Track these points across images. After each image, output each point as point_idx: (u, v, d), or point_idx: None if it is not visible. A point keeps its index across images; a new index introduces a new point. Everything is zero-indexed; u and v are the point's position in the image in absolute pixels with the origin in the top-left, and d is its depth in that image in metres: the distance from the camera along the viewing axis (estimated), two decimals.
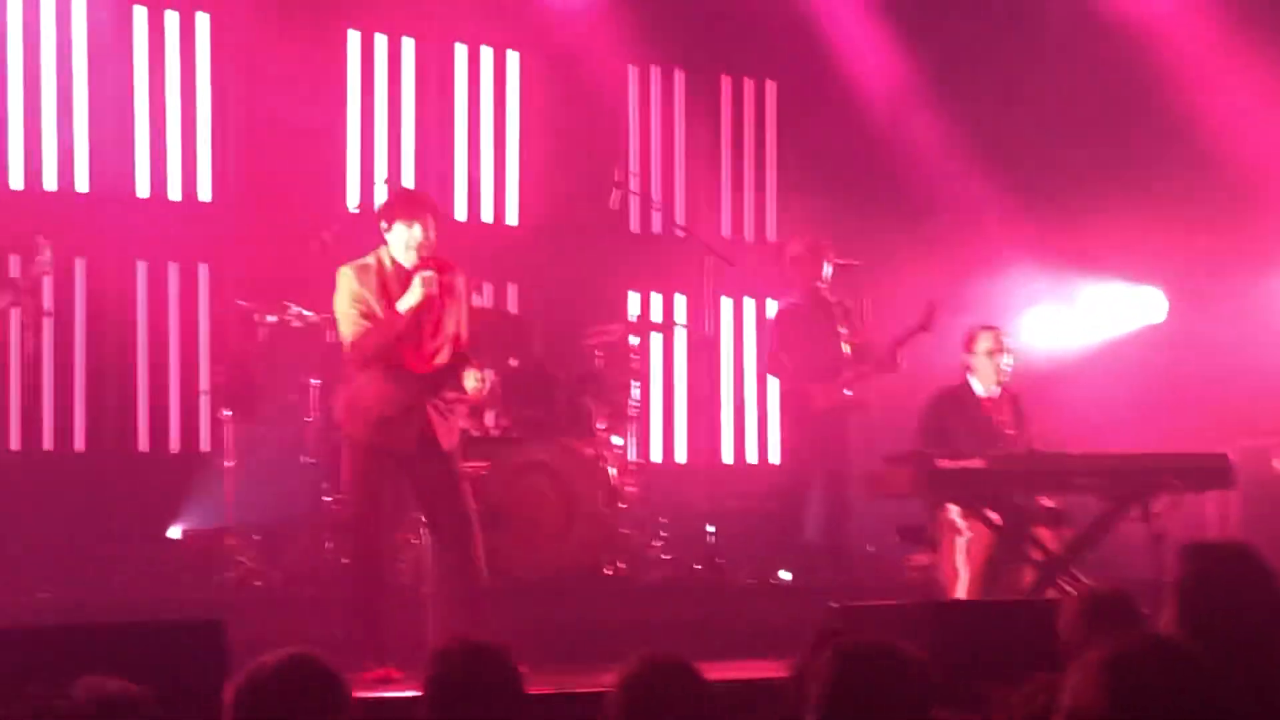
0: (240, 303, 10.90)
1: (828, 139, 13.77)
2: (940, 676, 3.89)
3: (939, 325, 11.27)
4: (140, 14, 11.84)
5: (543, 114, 13.16)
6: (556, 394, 10.94)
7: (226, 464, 10.75)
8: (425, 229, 8.39)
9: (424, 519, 8.93)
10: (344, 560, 9.23)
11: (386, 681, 7.96)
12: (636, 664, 4.45)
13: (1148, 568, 9.13)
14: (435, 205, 8.72)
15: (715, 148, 13.98)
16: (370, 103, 12.60)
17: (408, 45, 12.75)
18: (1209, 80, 12.76)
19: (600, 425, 10.93)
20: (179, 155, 11.96)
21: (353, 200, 11.85)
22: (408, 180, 12.50)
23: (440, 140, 12.91)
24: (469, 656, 4.48)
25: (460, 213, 12.90)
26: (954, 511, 9.98)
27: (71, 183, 11.56)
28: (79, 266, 11.57)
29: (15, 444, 11.23)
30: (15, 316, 10.22)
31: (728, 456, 13.77)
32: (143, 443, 11.80)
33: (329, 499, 10.21)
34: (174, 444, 11.88)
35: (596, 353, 11.35)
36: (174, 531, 11.10)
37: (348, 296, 8.41)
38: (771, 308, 12.79)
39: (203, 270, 11.99)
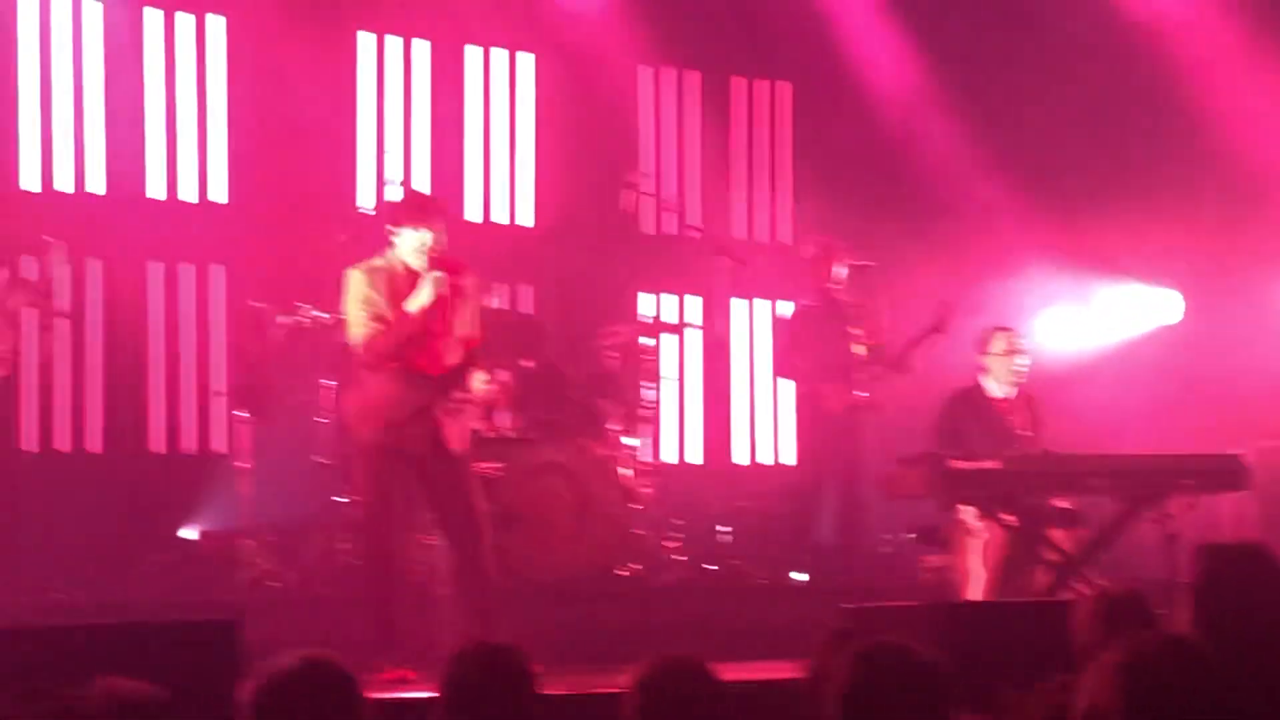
0: (255, 304, 10.92)
1: (841, 140, 13.77)
2: (955, 678, 3.88)
3: (953, 327, 11.26)
4: (153, 16, 11.86)
5: (556, 115, 13.16)
6: (570, 395, 10.94)
7: (241, 465, 10.76)
8: (435, 233, 8.40)
9: (435, 520, 8.92)
10: (358, 561, 9.24)
11: (402, 682, 7.95)
12: (652, 665, 4.46)
13: (1162, 569, 9.13)
14: (445, 209, 8.73)
15: (728, 149, 13.98)
16: (383, 105, 12.61)
17: (421, 47, 12.76)
18: (1225, 81, 12.75)
19: (614, 426, 10.92)
20: (193, 157, 11.97)
21: (366, 201, 11.86)
22: (421, 181, 12.50)
23: (453, 142, 12.92)
24: (484, 658, 4.48)
25: (474, 214, 12.91)
26: (968, 513, 9.97)
27: (85, 185, 11.58)
28: (93, 268, 11.58)
29: (31, 445, 11.24)
30: (31, 318, 10.24)
31: (741, 457, 13.77)
32: (157, 444, 11.81)
33: (343, 499, 10.21)
34: (189, 445, 11.89)
35: (610, 354, 11.34)
36: (189, 532, 11.11)
37: (357, 298, 8.42)
38: (784, 309, 12.79)
39: (217, 271, 12.00)
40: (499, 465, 10.12)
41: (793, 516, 11.90)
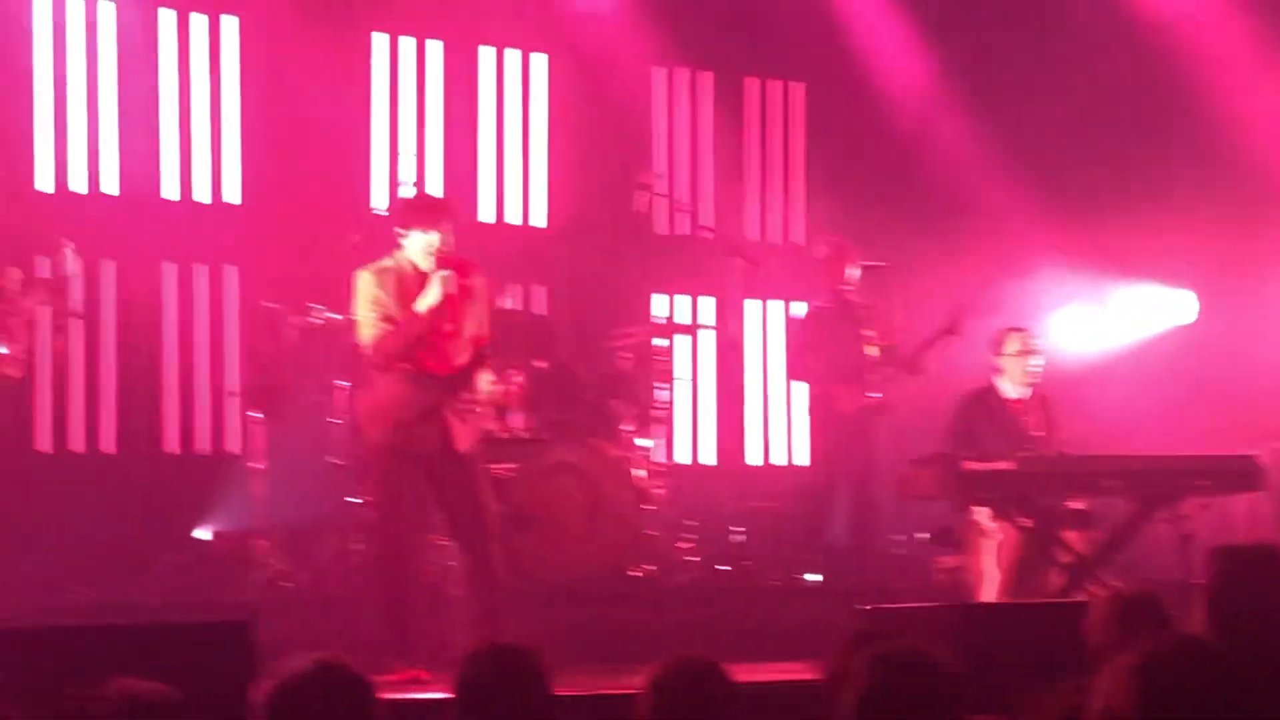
0: (268, 304, 10.93)
1: (855, 140, 13.76)
2: (970, 682, 3.88)
3: (967, 328, 11.26)
4: (167, 17, 11.87)
5: (569, 116, 13.16)
6: (583, 396, 10.94)
7: (255, 465, 10.77)
8: (443, 234, 8.40)
9: (445, 521, 8.92)
10: (370, 562, 9.25)
11: (415, 683, 7.96)
12: (665, 665, 4.46)
13: (1176, 570, 9.12)
14: (453, 210, 8.73)
15: (742, 150, 13.97)
16: (396, 105, 12.61)
17: (434, 48, 12.76)
18: (1240, 81, 12.73)
19: (627, 427, 10.92)
20: (206, 158, 11.98)
21: (380, 202, 11.87)
22: (434, 182, 12.51)
23: (467, 142, 12.92)
24: (498, 658, 4.48)
25: (487, 214, 12.91)
26: (982, 514, 9.97)
27: (99, 185, 11.59)
28: (107, 269, 11.59)
29: (45, 445, 11.25)
30: (45, 318, 10.25)
31: (754, 458, 13.76)
32: (171, 444, 11.83)
33: (356, 500, 10.22)
34: (202, 445, 11.90)
35: (623, 354, 11.34)
36: (202, 533, 11.12)
37: (367, 300, 8.42)
38: (797, 310, 12.79)
39: (230, 272, 12.02)
40: (512, 466, 10.13)
41: (806, 517, 11.90)
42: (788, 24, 13.67)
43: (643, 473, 10.77)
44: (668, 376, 11.64)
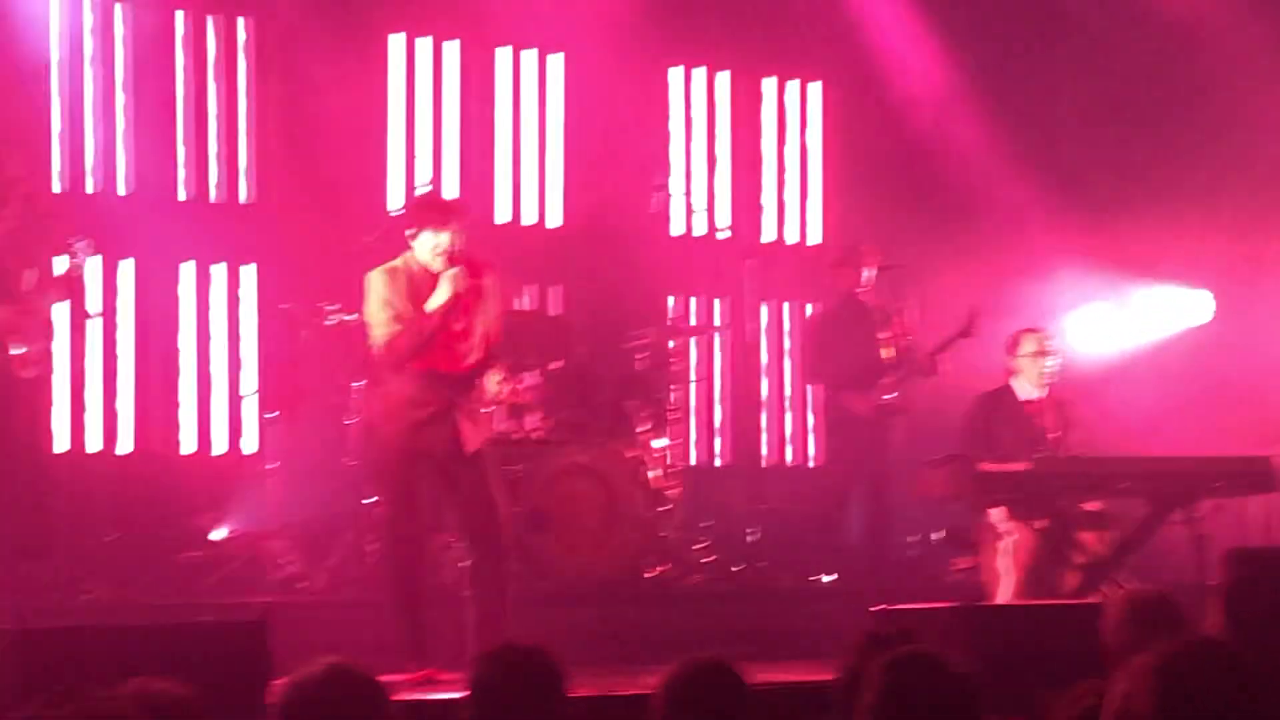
0: (284, 305, 10.94)
1: (872, 141, 13.74)
2: (986, 687, 3.87)
3: (981, 331, 11.25)
4: (182, 18, 11.88)
5: (585, 116, 13.16)
6: (598, 397, 10.95)
7: (270, 466, 10.78)
8: (453, 235, 8.40)
9: (457, 521, 8.91)
10: (383, 562, 9.25)
11: (430, 683, 7.97)
12: (680, 666, 4.46)
13: (1191, 571, 9.12)
14: (462, 210, 8.73)
15: (758, 150, 13.96)
16: (413, 105, 12.62)
17: (450, 48, 12.77)
18: (1257, 80, 12.71)
19: (642, 428, 10.92)
20: (221, 158, 12.00)
21: (396, 203, 11.87)
22: (450, 182, 12.52)
23: (482, 143, 12.92)
24: (512, 659, 4.49)
25: (502, 215, 12.91)
26: (997, 515, 9.96)
27: (114, 185, 11.61)
28: (124, 269, 11.61)
29: (61, 446, 11.26)
30: (62, 319, 10.27)
31: (769, 459, 13.75)
32: (187, 445, 11.84)
33: (372, 500, 10.23)
34: (218, 446, 11.91)
35: (638, 355, 11.35)
36: (218, 533, 11.13)
37: (378, 300, 8.43)
38: (812, 311, 12.79)
39: (246, 272, 12.02)
40: (527, 467, 10.13)
41: (820, 518, 11.90)
42: (805, 23, 13.66)
43: (658, 474, 10.77)
44: (683, 378, 11.65)
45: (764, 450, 13.65)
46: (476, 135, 12.86)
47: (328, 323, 10.51)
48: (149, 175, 11.70)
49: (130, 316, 11.67)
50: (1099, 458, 10.06)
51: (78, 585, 9.67)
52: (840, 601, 10.24)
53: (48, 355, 10.01)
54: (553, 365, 10.80)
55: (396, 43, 12.58)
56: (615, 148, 13.04)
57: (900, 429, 11.68)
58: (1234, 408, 12.32)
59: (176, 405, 11.82)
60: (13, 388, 9.69)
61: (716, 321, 13.22)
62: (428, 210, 8.63)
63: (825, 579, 11.30)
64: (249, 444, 11.83)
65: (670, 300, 13.23)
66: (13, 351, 9.64)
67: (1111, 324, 13.51)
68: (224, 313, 11.96)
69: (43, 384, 10.10)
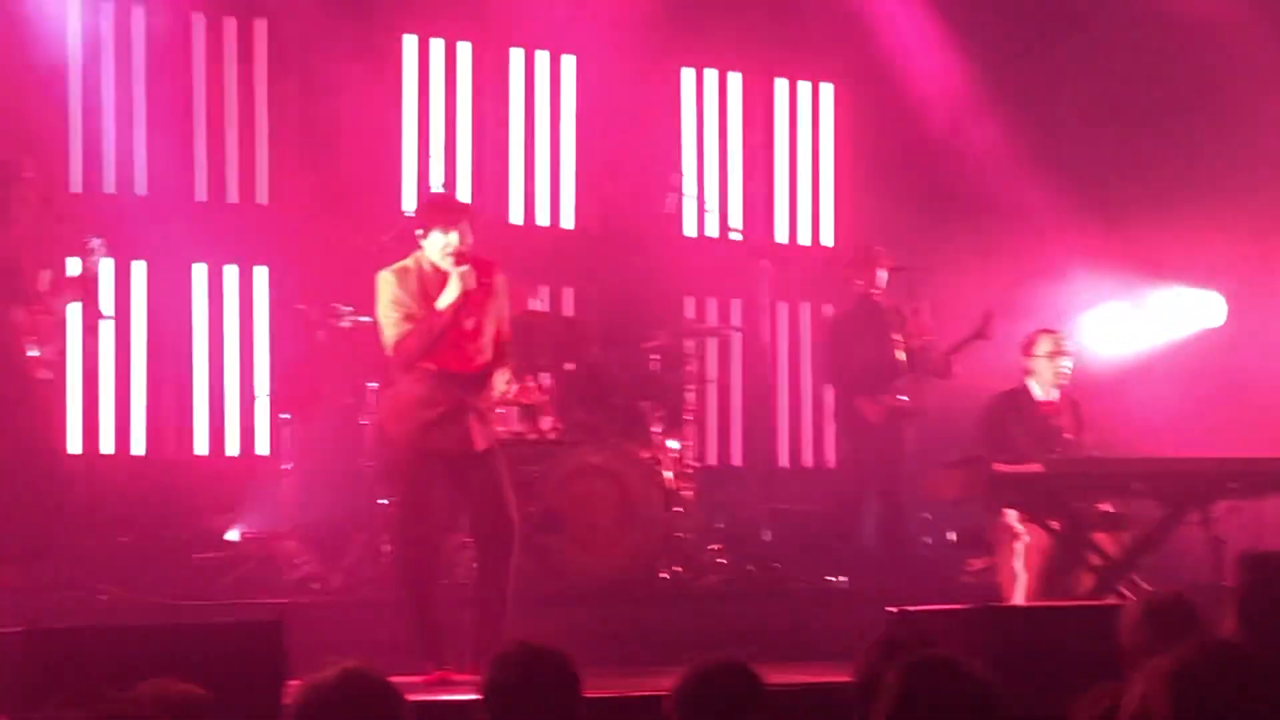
0: (299, 306, 10.95)
1: (884, 142, 13.73)
2: (1004, 691, 3.86)
3: (996, 332, 11.24)
4: (199, 21, 11.90)
5: (598, 118, 13.16)
6: (613, 398, 10.94)
7: (284, 467, 10.79)
8: (462, 234, 8.42)
9: (468, 521, 8.91)
10: (396, 563, 9.26)
11: (444, 684, 7.97)
12: (695, 668, 4.46)
13: (1206, 573, 9.10)
14: (471, 210, 8.75)
15: (770, 151, 13.96)
16: (426, 106, 12.63)
17: (464, 50, 12.78)
18: (1272, 82, 12.69)
19: (656, 429, 10.92)
20: (237, 159, 12.01)
21: (410, 204, 11.87)
22: (464, 183, 12.54)
23: (496, 144, 12.93)
24: (527, 660, 4.48)
25: (516, 216, 12.92)
26: (1012, 516, 9.96)
27: (131, 186, 11.63)
28: (137, 270, 11.63)
29: (75, 447, 11.28)
30: (75, 321, 10.29)
31: (783, 460, 13.74)
32: (201, 446, 11.85)
33: (386, 501, 10.23)
34: (232, 447, 11.92)
35: (652, 356, 11.35)
36: (232, 534, 11.14)
37: (388, 300, 8.45)
38: (826, 313, 12.78)
39: (260, 273, 12.04)
40: (541, 468, 10.13)
41: (835, 520, 11.90)
42: (817, 24, 13.64)
43: (672, 475, 10.77)
44: (697, 379, 11.64)
45: (779, 451, 13.63)
46: (490, 136, 12.87)
47: (342, 324, 10.52)
48: (165, 176, 11.72)
49: (143, 318, 11.69)
50: (1114, 458, 10.06)
51: (92, 586, 9.67)
52: (855, 603, 10.23)
53: (62, 356, 10.03)
54: (566, 366, 10.79)
55: (410, 45, 12.59)
56: (628, 149, 13.04)
57: (914, 430, 11.67)
58: (1248, 409, 12.30)
59: (190, 407, 11.83)
60: (29, 389, 9.71)
61: (731, 322, 13.20)
62: (436, 210, 8.64)
63: (836, 580, 11.28)
64: (263, 445, 11.84)
65: (684, 301, 13.22)
66: (30, 354, 9.66)
67: (1125, 325, 13.49)
68: (237, 314, 11.97)
69: (57, 385, 10.12)
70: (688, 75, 13.66)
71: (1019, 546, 9.97)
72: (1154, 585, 8.61)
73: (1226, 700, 3.12)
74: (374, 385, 10.42)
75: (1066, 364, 10.65)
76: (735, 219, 13.49)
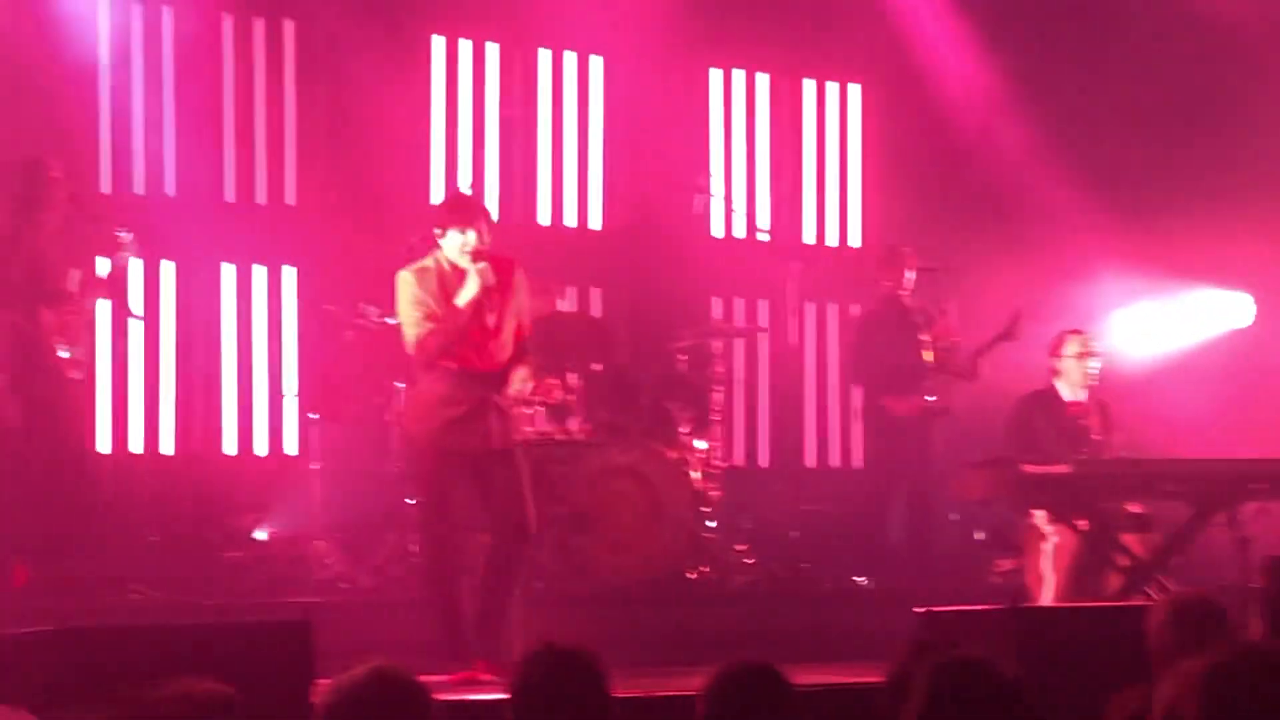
0: (327, 306, 10.97)
1: (912, 142, 13.71)
2: (1035, 692, 3.86)
3: (1023, 333, 11.23)
4: (228, 22, 11.93)
5: (626, 118, 13.17)
6: (640, 398, 10.95)
7: (313, 466, 10.81)
8: (479, 233, 8.43)
9: (487, 518, 8.90)
10: (420, 562, 9.27)
11: (472, 683, 7.98)
12: (723, 668, 4.46)
13: (1234, 574, 9.08)
14: (488, 210, 8.78)
15: (799, 151, 13.95)
16: (454, 107, 12.64)
17: (491, 50, 12.79)
18: None
19: (683, 429, 10.92)
20: (265, 160, 12.04)
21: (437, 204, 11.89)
22: (491, 184, 12.55)
23: (524, 144, 12.94)
24: (554, 660, 4.49)
25: (544, 217, 12.93)
26: (1040, 517, 9.94)
27: (160, 187, 11.66)
28: (166, 270, 11.66)
29: (104, 447, 11.31)
30: (105, 320, 10.32)
31: (810, 460, 13.73)
32: (229, 446, 11.88)
33: (413, 501, 10.24)
34: (260, 447, 11.95)
35: (680, 357, 11.35)
36: (260, 534, 11.17)
37: (409, 299, 8.46)
38: (853, 313, 12.78)
39: (288, 274, 12.07)
40: (569, 468, 10.14)
41: (862, 520, 11.89)
42: (844, 25, 13.62)
43: (699, 475, 10.77)
44: (724, 379, 11.64)
45: (806, 452, 13.62)
46: (518, 137, 12.88)
47: (370, 324, 10.53)
48: (194, 177, 11.74)
49: (172, 319, 11.72)
50: (1142, 459, 10.03)
51: (121, 585, 9.70)
52: (883, 603, 10.22)
53: (91, 356, 10.06)
54: (594, 367, 10.80)
55: (438, 45, 12.61)
56: (655, 149, 13.04)
57: (942, 431, 11.65)
58: (1276, 409, 12.27)
59: (219, 406, 11.86)
60: (61, 389, 9.74)
61: (759, 323, 13.20)
62: (453, 210, 8.66)
63: (863, 581, 11.27)
64: (291, 445, 11.87)
65: (711, 301, 13.22)
66: (61, 354, 9.69)
67: (1153, 326, 13.47)
68: (266, 315, 12.00)
69: (86, 385, 10.15)
70: (716, 76, 13.66)
71: (1047, 547, 9.96)
72: (1181, 586, 8.59)
73: (1258, 703, 3.11)
74: (401, 385, 10.44)
75: (1094, 365, 10.64)
76: (763, 219, 13.48)
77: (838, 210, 14.04)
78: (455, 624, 8.44)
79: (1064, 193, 13.24)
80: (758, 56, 13.72)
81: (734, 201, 13.33)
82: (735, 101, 13.73)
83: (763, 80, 13.83)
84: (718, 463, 11.22)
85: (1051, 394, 10.65)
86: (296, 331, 12.00)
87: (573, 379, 10.57)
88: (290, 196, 12.11)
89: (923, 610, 7.07)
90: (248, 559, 10.65)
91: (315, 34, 12.11)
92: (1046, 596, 9.85)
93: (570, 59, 13.10)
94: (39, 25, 11.10)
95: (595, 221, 13.14)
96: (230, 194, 11.93)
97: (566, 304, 12.35)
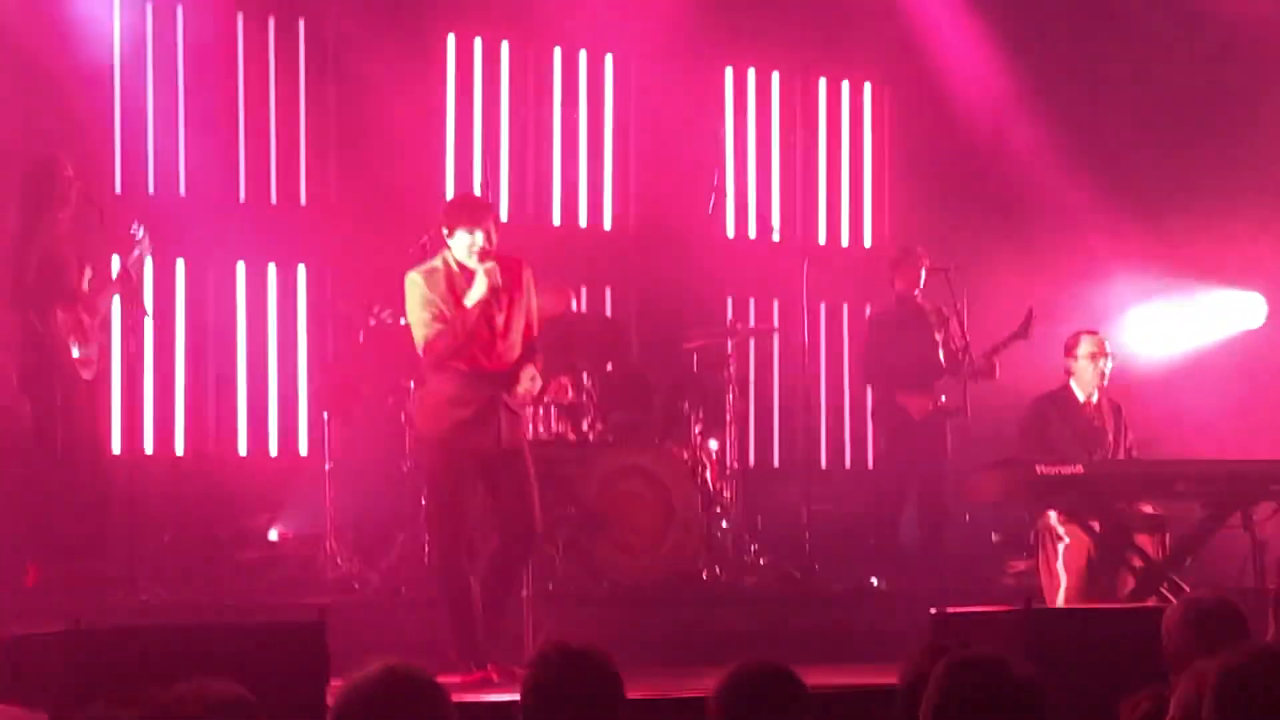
0: (340, 307, 10.97)
1: (925, 142, 13.70)
2: (1051, 691, 3.84)
3: (1036, 333, 11.21)
4: (240, 21, 11.93)
5: (638, 117, 13.16)
6: (653, 399, 10.95)
7: (325, 467, 10.82)
8: (487, 234, 8.43)
9: (494, 517, 8.90)
10: (432, 563, 9.28)
11: (486, 684, 7.98)
12: (736, 669, 4.45)
13: (1248, 576, 9.08)
14: (495, 210, 8.78)
15: (812, 151, 13.93)
16: (468, 106, 12.64)
17: (504, 49, 12.79)
18: None
19: (696, 430, 10.92)
20: (277, 160, 12.04)
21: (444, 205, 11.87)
22: (504, 184, 12.55)
23: (537, 144, 12.94)
24: (568, 661, 4.48)
25: (556, 217, 12.93)
26: (1053, 517, 9.93)
27: (173, 187, 11.66)
28: (179, 269, 11.67)
29: (117, 448, 11.31)
30: (118, 319, 10.32)
31: (823, 461, 13.72)
32: (242, 446, 11.88)
33: (425, 501, 10.24)
34: (273, 447, 11.95)
35: (692, 357, 11.34)
36: (273, 534, 11.17)
37: (418, 301, 8.46)
38: (866, 313, 12.77)
39: (301, 273, 12.07)
40: (582, 468, 10.14)
41: (875, 521, 11.88)
42: (857, 24, 13.61)
43: (712, 476, 10.77)
44: (737, 380, 11.63)
45: (819, 452, 13.61)
46: (531, 136, 12.88)
47: (383, 324, 10.53)
48: (207, 177, 11.74)
49: (184, 319, 11.72)
50: (1156, 460, 10.03)
51: (135, 585, 9.70)
52: (896, 604, 10.22)
53: (104, 356, 10.07)
54: (607, 367, 10.80)
55: (451, 43, 12.60)
56: (668, 149, 13.03)
57: (955, 431, 11.64)
58: None
59: (231, 407, 11.86)
60: (74, 388, 9.75)
61: (772, 323, 13.19)
62: (460, 210, 8.66)
63: (873, 582, 11.27)
64: (304, 445, 11.87)
65: (724, 301, 13.21)
66: (75, 354, 9.70)
67: (1167, 326, 13.45)
68: (278, 315, 12.00)
69: (100, 384, 10.15)
70: (728, 74, 13.65)
71: (1060, 548, 9.95)
72: (1195, 588, 8.57)
73: (1272, 705, 3.10)
74: (414, 385, 10.44)
75: (1107, 365, 10.63)
76: (775, 219, 13.47)
77: (850, 210, 14.03)
78: (468, 624, 8.43)
79: (1077, 193, 13.23)
80: (770, 55, 13.71)
81: (747, 201, 13.31)
82: (748, 100, 13.72)
83: (776, 79, 13.82)
84: (730, 463, 11.21)
85: (1066, 394, 10.64)
86: (309, 332, 11.99)
87: (585, 379, 10.57)
88: (303, 197, 12.10)
89: (936, 611, 7.07)
90: (260, 559, 10.65)
91: (328, 33, 12.11)
92: (1060, 597, 9.84)
93: (583, 57, 13.10)
94: (52, 25, 11.09)
95: (608, 221, 13.13)
96: (243, 194, 11.92)
97: (579, 304, 12.35)
